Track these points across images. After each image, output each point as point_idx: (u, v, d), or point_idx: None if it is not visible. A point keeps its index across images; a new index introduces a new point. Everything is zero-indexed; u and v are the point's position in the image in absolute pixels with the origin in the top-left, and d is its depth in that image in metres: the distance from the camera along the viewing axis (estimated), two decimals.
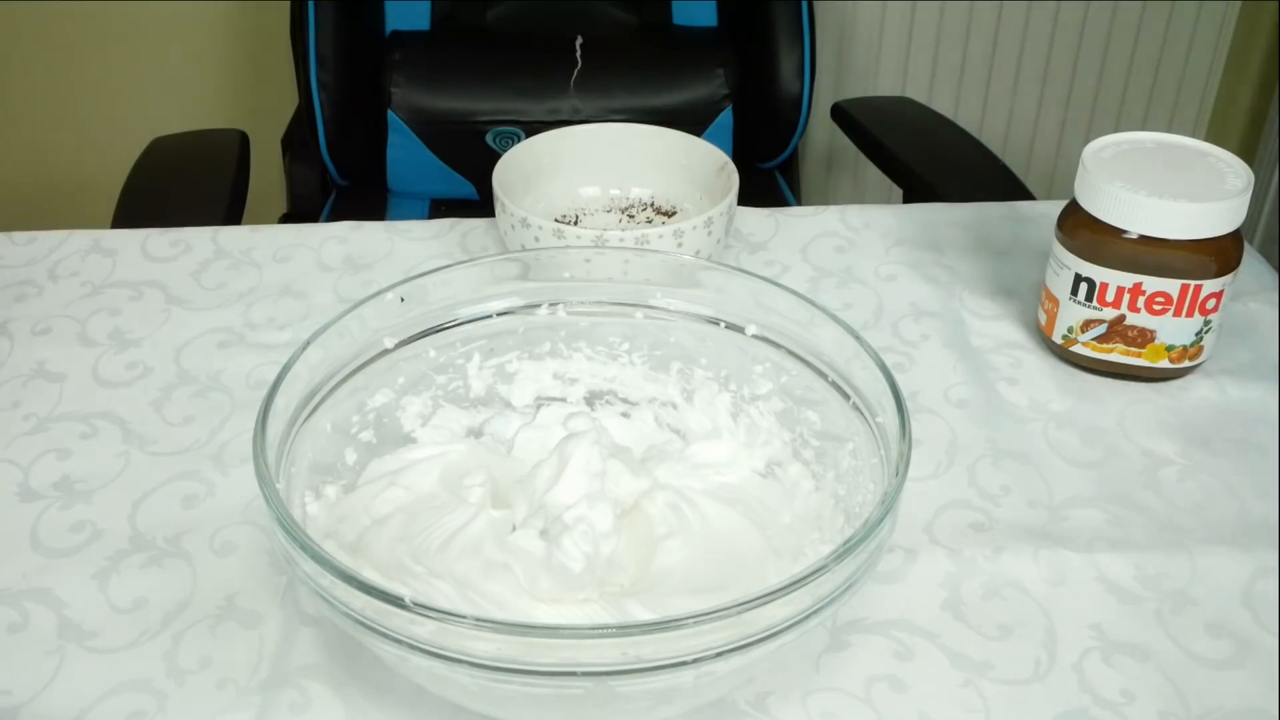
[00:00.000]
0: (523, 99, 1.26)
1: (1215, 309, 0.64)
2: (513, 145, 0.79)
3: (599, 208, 0.82)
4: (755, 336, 0.56)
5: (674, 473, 0.54)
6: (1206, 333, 0.65)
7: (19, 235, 0.79)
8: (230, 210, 1.03)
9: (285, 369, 0.49)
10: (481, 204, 1.28)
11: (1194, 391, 0.66)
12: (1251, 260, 0.75)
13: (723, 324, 0.56)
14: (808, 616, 0.41)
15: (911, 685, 0.50)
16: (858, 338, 0.51)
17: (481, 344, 0.58)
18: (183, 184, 1.08)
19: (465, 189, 1.31)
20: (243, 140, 1.15)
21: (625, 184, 0.82)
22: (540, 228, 0.70)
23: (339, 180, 1.32)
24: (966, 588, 0.54)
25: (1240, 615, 0.53)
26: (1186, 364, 0.66)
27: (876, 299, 0.74)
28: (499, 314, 0.57)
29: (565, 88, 1.25)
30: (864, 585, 0.44)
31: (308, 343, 0.51)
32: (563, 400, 0.60)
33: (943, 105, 1.66)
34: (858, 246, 0.79)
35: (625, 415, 0.59)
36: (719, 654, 0.40)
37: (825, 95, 1.52)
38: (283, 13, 1.27)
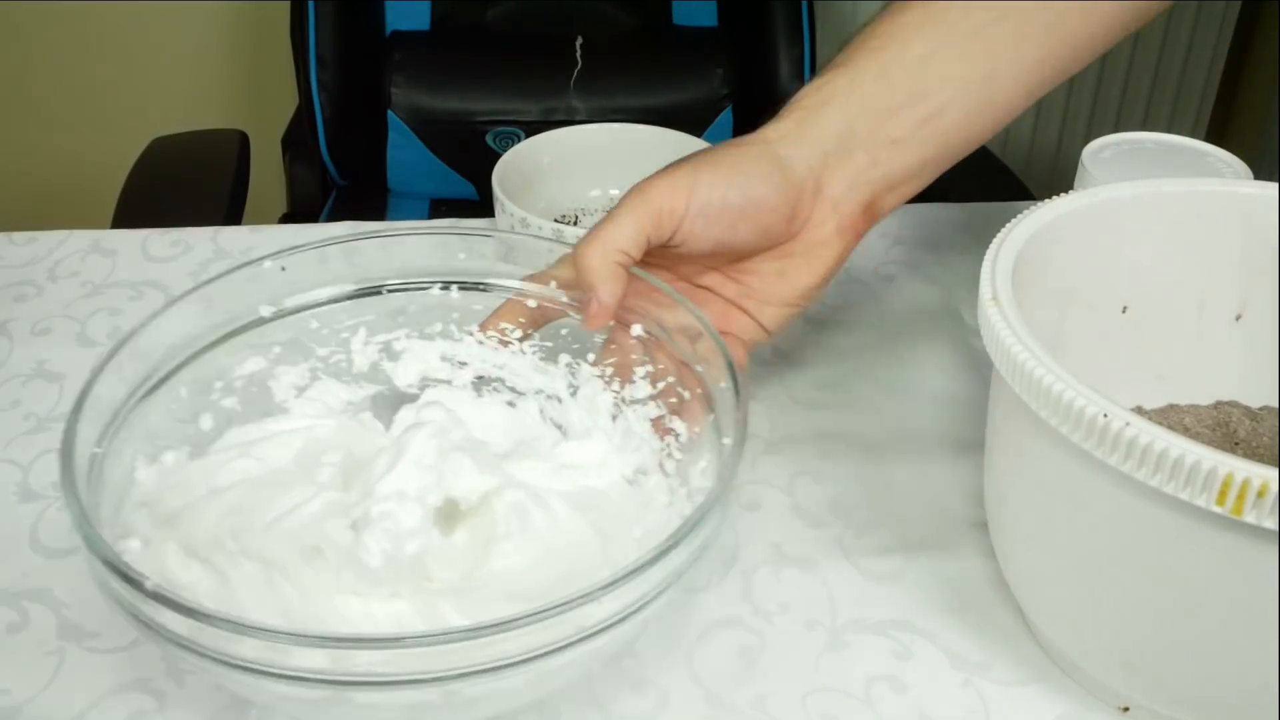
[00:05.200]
0: (522, 99, 1.26)
1: None
2: (513, 145, 0.79)
3: (599, 208, 0.82)
4: (639, 338, 0.54)
5: (536, 471, 0.51)
6: None
7: (19, 235, 0.79)
8: (230, 210, 1.03)
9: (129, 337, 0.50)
10: (481, 204, 1.28)
11: None
12: None
13: (612, 321, 0.54)
14: (556, 651, 0.39)
15: (911, 685, 0.50)
16: (723, 351, 0.49)
17: (369, 320, 0.56)
18: (183, 184, 1.08)
19: (465, 189, 1.31)
20: (243, 140, 1.15)
21: (625, 184, 0.82)
22: (540, 228, 0.70)
23: (339, 180, 1.32)
24: (967, 587, 0.54)
25: None
26: None
27: (876, 299, 0.74)
28: (389, 290, 0.56)
29: (565, 88, 1.25)
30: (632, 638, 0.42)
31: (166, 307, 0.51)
32: (448, 383, 0.56)
33: None
34: (857, 246, 0.79)
35: (511, 404, 0.57)
36: (461, 675, 0.38)
37: None
38: (283, 13, 1.27)
